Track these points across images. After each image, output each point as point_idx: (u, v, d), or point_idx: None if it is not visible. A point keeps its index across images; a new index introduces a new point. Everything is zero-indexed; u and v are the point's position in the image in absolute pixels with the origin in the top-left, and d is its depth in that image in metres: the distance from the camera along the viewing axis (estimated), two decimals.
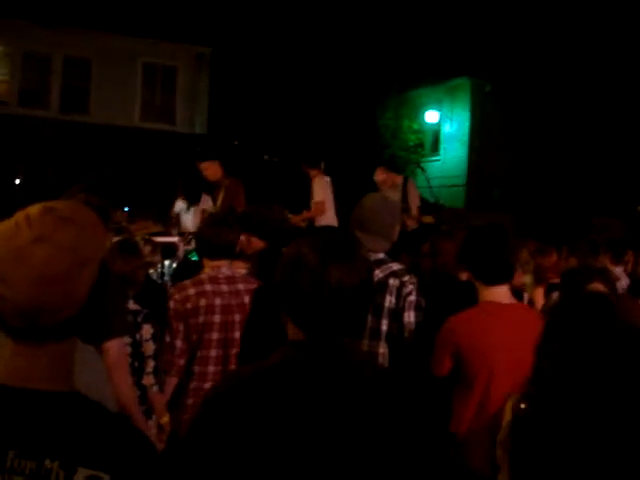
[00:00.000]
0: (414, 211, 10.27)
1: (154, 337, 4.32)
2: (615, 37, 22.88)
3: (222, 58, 26.20)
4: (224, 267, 4.35)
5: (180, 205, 12.45)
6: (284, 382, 1.95)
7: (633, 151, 23.57)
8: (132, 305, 4.34)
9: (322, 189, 10.20)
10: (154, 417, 4.33)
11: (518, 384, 3.06)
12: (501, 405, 2.87)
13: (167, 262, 8.10)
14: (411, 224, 10.08)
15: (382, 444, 1.95)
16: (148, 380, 4.25)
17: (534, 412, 2.46)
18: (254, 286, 4.43)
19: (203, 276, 4.33)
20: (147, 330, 4.29)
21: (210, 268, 4.34)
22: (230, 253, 4.40)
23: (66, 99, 24.78)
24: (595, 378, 2.33)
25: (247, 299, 4.34)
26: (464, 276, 4.73)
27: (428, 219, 10.45)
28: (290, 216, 9.92)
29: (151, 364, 4.27)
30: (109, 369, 3.56)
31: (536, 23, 24.63)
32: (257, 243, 4.92)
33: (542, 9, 24.64)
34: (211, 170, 9.60)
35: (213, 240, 4.30)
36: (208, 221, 4.56)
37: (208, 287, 4.26)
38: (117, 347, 3.72)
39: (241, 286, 4.35)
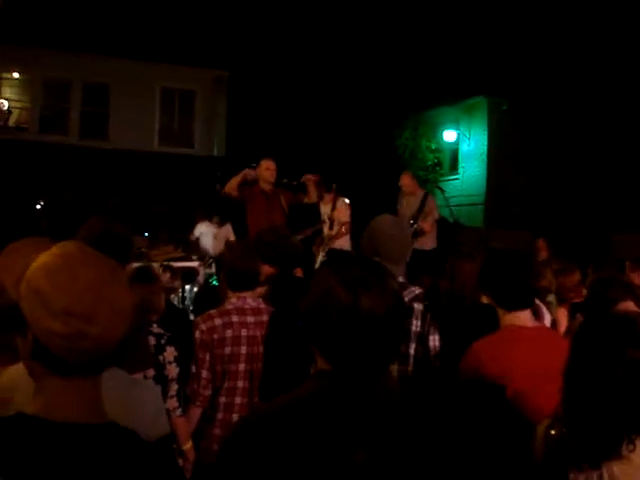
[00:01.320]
0: (429, 218, 10.36)
1: (177, 360, 4.29)
2: (632, 52, 22.81)
3: (239, 81, 26.36)
4: (249, 298, 4.37)
5: (201, 229, 12.50)
6: (315, 414, 1.92)
7: None
8: (156, 328, 4.33)
9: (347, 210, 10.23)
10: (175, 446, 4.29)
11: (543, 408, 3.02)
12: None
13: (188, 287, 8.10)
14: (427, 227, 10.21)
15: (421, 475, 1.91)
16: (171, 403, 4.21)
17: (565, 438, 2.41)
18: None
19: (229, 307, 4.33)
20: (170, 352, 4.26)
21: (236, 298, 4.35)
22: (255, 283, 4.41)
23: (85, 125, 25.03)
24: (623, 402, 2.29)
25: None
26: (485, 299, 4.68)
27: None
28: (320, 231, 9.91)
29: (174, 387, 4.24)
30: None
31: (551, 40, 24.62)
32: (268, 270, 4.93)
33: (557, 26, 24.64)
34: (274, 171, 9.07)
35: (242, 272, 4.32)
36: (233, 253, 4.55)
37: (235, 318, 4.26)
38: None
39: (266, 317, 4.36)
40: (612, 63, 23.24)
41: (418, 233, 10.15)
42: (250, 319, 4.31)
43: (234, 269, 4.38)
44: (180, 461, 4.29)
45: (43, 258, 1.62)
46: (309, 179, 9.43)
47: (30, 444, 1.52)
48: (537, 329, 3.64)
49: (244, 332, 4.25)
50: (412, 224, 10.18)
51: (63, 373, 1.58)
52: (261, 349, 4.28)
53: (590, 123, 23.78)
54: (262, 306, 4.43)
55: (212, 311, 4.33)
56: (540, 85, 24.46)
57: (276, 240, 4.95)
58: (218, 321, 4.24)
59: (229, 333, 4.21)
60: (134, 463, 1.58)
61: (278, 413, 1.95)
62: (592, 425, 2.31)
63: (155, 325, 4.35)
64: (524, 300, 3.58)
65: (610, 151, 23.42)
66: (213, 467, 2.03)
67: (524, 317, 3.58)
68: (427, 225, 10.36)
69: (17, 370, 2.12)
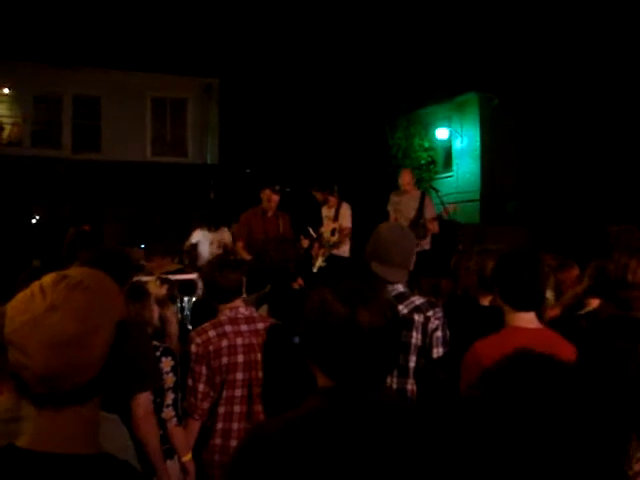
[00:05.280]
0: (429, 222, 10.38)
1: (174, 369, 4.30)
2: (622, 43, 22.83)
3: (230, 88, 26.33)
4: (241, 307, 4.40)
5: (197, 236, 12.46)
6: (319, 432, 1.92)
7: None
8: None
9: (350, 216, 10.25)
10: (175, 457, 4.30)
11: None
12: None
13: (186, 298, 8.08)
14: (434, 228, 10.26)
15: None
16: (168, 413, 4.22)
17: None
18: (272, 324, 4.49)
19: (222, 318, 4.36)
20: (167, 363, 4.27)
21: (228, 310, 4.38)
22: (237, 294, 4.45)
23: (78, 138, 25.01)
24: (634, 400, 2.28)
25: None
26: (486, 300, 4.67)
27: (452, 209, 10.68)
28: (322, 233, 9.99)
29: (170, 396, 4.25)
30: (139, 420, 3.63)
31: (539, 33, 24.63)
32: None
33: (545, 20, 24.66)
34: (275, 202, 9.45)
35: (222, 286, 4.36)
36: (211, 267, 4.59)
37: (228, 328, 4.29)
38: (147, 400, 3.81)
39: (260, 325, 4.40)
40: (603, 54, 23.25)
41: (425, 233, 10.20)
42: (244, 327, 4.33)
43: (214, 284, 4.42)
44: (181, 475, 4.31)
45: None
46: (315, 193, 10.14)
47: (15, 476, 1.52)
48: (540, 331, 3.66)
49: (239, 341, 4.28)
50: (415, 226, 10.19)
51: (39, 404, 1.57)
52: (258, 357, 4.31)
53: (582, 115, 23.78)
54: (255, 314, 4.47)
55: (205, 324, 4.37)
56: (531, 79, 24.44)
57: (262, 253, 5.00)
58: (212, 333, 4.26)
59: (225, 343, 4.24)
60: None
61: (283, 432, 1.95)
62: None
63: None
64: (532, 302, 3.64)
65: (603, 142, 23.42)
66: None
67: (529, 318, 3.63)
68: (435, 226, 10.39)
69: None
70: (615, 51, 22.99)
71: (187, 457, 4.29)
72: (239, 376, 4.25)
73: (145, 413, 3.79)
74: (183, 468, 4.29)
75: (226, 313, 4.37)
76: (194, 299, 8.18)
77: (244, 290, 4.58)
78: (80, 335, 1.54)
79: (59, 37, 23.21)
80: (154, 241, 11.31)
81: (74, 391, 1.56)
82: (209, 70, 25.47)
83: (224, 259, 4.69)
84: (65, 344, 1.52)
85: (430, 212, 10.61)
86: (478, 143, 26.86)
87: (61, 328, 1.53)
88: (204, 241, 12.26)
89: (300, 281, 7.20)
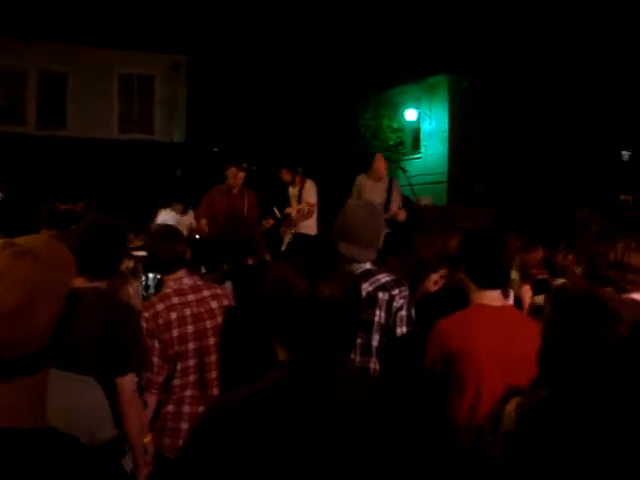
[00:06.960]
0: (394, 209, 10.35)
1: None
2: (592, 29, 22.96)
3: (198, 65, 26.10)
4: (185, 277, 4.40)
5: (163, 216, 12.36)
6: (279, 405, 1.91)
7: (612, 142, 23.68)
8: None
9: (314, 191, 10.24)
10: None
11: (509, 387, 3.02)
12: (492, 407, 2.80)
13: (151, 275, 8.04)
14: (401, 216, 10.27)
15: (383, 464, 1.90)
16: None
17: (543, 414, 2.37)
18: (218, 291, 4.53)
19: (168, 290, 4.38)
20: None
21: (172, 281, 4.38)
22: (180, 264, 4.44)
23: (43, 114, 24.67)
24: (605, 375, 2.27)
25: (214, 304, 4.42)
26: (442, 273, 4.72)
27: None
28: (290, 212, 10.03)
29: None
30: (123, 403, 3.66)
31: (510, 17, 24.69)
32: None
33: (518, 5, 24.70)
34: (241, 179, 9.46)
35: (164, 256, 4.34)
36: (154, 237, 4.57)
37: (175, 300, 4.31)
38: (132, 382, 3.80)
39: (206, 292, 4.43)
40: (573, 37, 23.36)
41: (394, 222, 10.16)
42: (191, 297, 4.35)
43: (156, 255, 4.40)
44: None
45: None
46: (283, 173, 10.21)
47: None
48: (503, 309, 3.70)
49: (188, 311, 4.30)
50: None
51: None
52: (208, 324, 4.34)
53: (550, 99, 23.93)
54: (200, 282, 4.49)
55: (153, 298, 4.42)
56: (500, 62, 24.52)
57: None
58: (160, 306, 4.26)
59: (174, 315, 4.25)
60: (77, 469, 1.51)
61: (242, 405, 1.94)
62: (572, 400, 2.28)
63: None
64: (498, 280, 3.66)
65: (570, 127, 23.59)
66: (178, 458, 2.01)
67: (493, 296, 3.65)
68: (403, 214, 10.34)
69: None
70: (585, 37, 23.11)
71: (147, 439, 4.28)
72: (190, 346, 4.29)
73: (130, 396, 3.76)
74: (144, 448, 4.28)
75: (170, 285, 4.38)
76: (158, 276, 8.14)
77: (188, 261, 4.58)
78: (23, 306, 1.49)
79: (25, 11, 22.80)
80: (119, 218, 11.23)
81: (19, 362, 1.51)
82: (177, 47, 25.23)
83: (166, 231, 4.67)
84: (7, 315, 1.47)
85: (396, 203, 10.53)
86: (446, 125, 26.98)
87: (2, 298, 1.48)
88: (170, 221, 12.18)
89: (268, 257, 7.19)
